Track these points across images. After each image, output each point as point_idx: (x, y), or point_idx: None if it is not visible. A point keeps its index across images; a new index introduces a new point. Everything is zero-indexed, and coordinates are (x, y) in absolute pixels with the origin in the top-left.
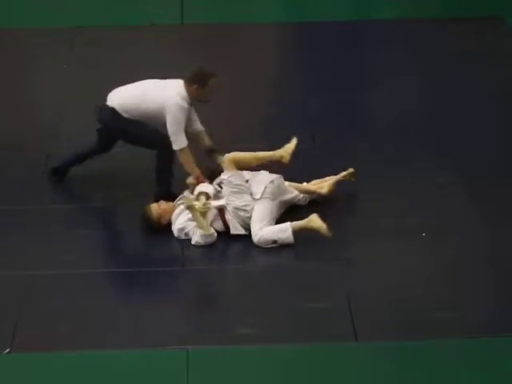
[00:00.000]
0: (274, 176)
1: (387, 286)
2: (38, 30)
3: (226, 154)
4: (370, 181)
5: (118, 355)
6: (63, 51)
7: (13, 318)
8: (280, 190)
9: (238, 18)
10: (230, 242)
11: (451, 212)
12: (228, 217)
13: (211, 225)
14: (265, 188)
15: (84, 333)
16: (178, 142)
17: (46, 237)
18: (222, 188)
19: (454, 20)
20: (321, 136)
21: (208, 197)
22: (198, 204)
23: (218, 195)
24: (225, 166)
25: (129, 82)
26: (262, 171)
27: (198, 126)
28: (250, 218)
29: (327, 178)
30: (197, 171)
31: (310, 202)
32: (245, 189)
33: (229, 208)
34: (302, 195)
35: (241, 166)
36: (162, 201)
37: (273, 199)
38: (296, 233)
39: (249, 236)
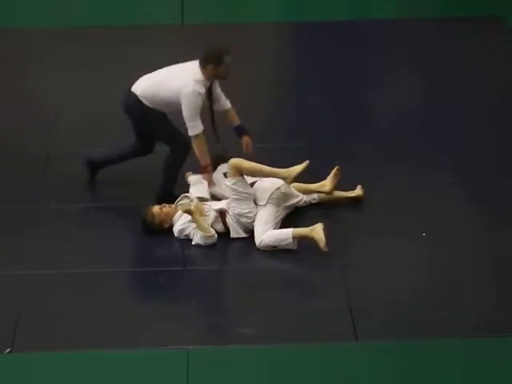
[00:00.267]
0: (281, 182)
1: (387, 285)
2: (38, 30)
3: (232, 159)
4: (369, 181)
5: (118, 355)
6: (64, 51)
7: (13, 318)
8: (286, 197)
9: (238, 18)
10: (231, 243)
11: (451, 212)
12: (229, 220)
13: (212, 226)
14: (270, 195)
15: (84, 333)
16: (194, 127)
17: (46, 237)
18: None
19: (454, 20)
20: (320, 136)
21: (204, 200)
22: (191, 204)
23: (215, 190)
24: (229, 170)
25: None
26: (268, 178)
27: (225, 103)
28: (252, 223)
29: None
30: (207, 160)
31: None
32: (248, 196)
33: (230, 213)
34: (306, 197)
35: (243, 174)
36: (164, 204)
37: (278, 205)
38: (296, 239)
39: (249, 236)
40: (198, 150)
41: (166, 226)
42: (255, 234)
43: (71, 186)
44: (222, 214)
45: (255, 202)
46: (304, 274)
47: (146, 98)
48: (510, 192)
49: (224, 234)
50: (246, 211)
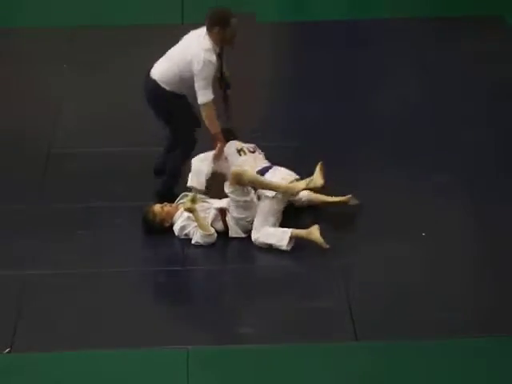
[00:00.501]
0: (294, 176)
1: (387, 286)
2: (38, 30)
3: (234, 169)
4: (369, 181)
5: (118, 355)
6: (63, 51)
7: (13, 318)
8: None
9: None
10: (230, 242)
11: (451, 212)
12: (228, 220)
13: (211, 225)
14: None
15: (84, 333)
16: (204, 95)
17: (46, 237)
18: (241, 155)
19: (454, 20)
20: (320, 136)
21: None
22: (189, 196)
23: (219, 166)
24: (229, 179)
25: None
26: (281, 168)
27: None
28: (251, 224)
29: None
30: (217, 128)
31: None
32: (247, 203)
33: (230, 215)
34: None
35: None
36: (166, 203)
37: (283, 200)
38: (293, 239)
39: (249, 236)
40: (208, 118)
41: (167, 225)
42: (253, 228)
43: (71, 185)
44: (222, 212)
45: (260, 195)
46: (304, 274)
47: (163, 81)
48: (509, 192)
49: (224, 233)
50: (243, 216)
